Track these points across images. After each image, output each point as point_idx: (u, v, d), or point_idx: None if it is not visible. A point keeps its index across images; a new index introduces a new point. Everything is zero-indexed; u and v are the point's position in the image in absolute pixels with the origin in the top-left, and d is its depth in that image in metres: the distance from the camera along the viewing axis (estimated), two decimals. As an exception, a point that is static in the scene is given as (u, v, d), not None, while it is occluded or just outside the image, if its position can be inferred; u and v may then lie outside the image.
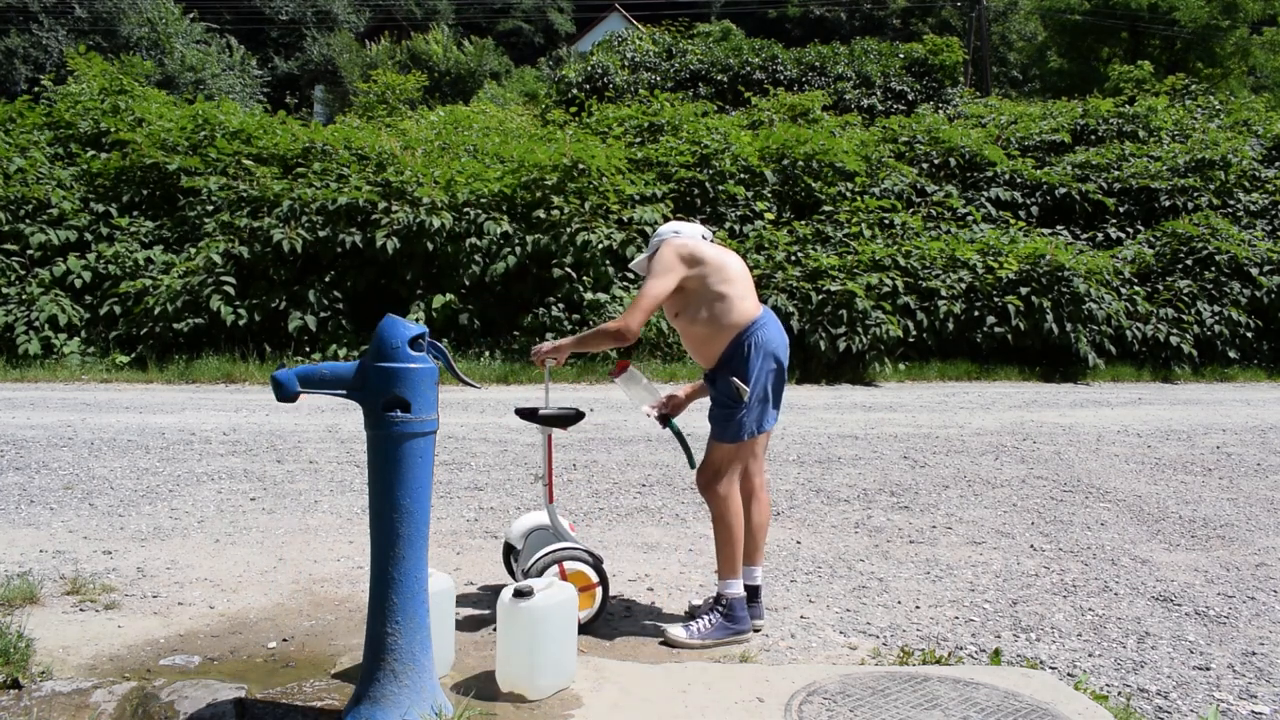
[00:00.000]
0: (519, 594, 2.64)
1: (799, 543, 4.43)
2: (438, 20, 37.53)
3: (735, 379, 3.12)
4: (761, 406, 3.18)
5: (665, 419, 3.45)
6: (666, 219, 11.44)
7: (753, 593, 3.34)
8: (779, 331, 3.24)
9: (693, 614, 3.41)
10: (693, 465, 3.44)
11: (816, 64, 21.26)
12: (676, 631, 3.15)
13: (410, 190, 10.93)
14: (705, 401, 3.42)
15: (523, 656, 2.62)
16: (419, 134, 14.22)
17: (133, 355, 10.35)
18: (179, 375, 9.85)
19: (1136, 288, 12.19)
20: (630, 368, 3.45)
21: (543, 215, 10.96)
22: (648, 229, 10.99)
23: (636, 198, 11.54)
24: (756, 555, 3.36)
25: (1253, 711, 2.83)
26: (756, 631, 3.33)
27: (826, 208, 12.46)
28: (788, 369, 3.31)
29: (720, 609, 3.18)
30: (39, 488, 5.15)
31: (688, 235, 3.29)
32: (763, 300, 10.78)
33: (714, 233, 11.46)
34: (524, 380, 9.83)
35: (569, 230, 10.66)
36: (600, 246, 10.56)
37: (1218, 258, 12.36)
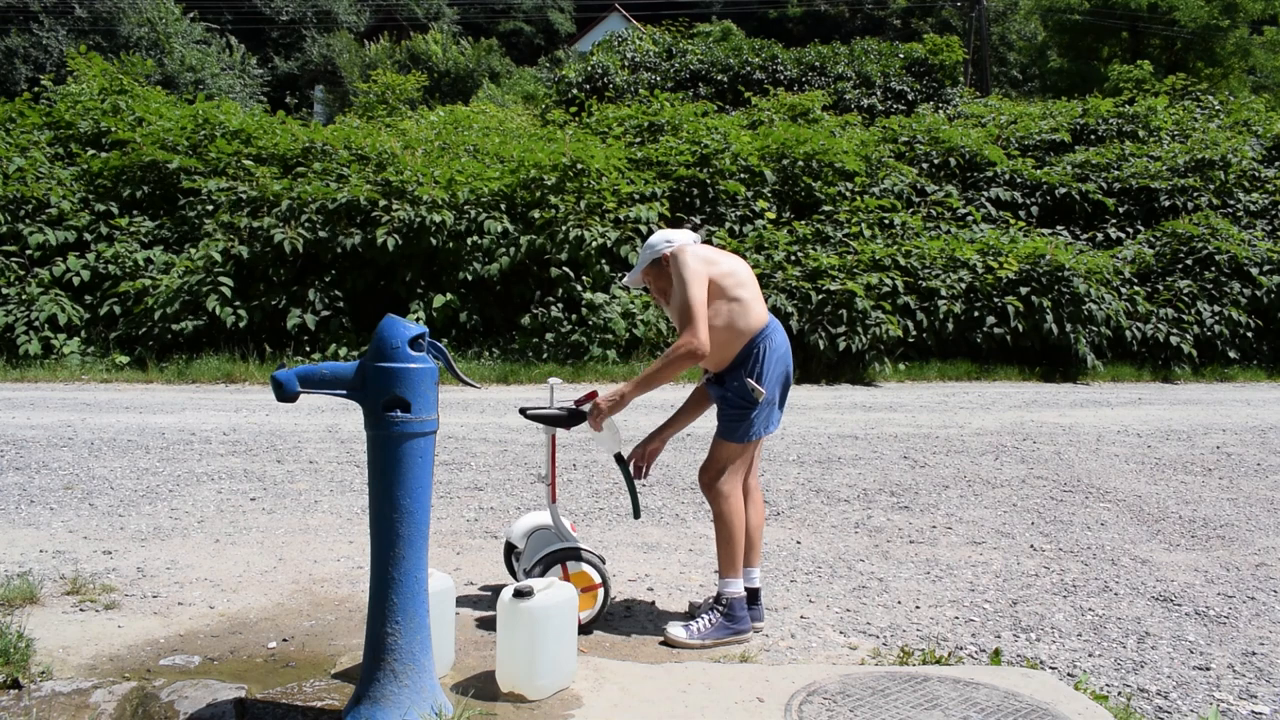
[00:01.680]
0: (519, 594, 2.64)
1: (799, 543, 4.43)
2: (439, 21, 37.54)
3: (750, 380, 3.13)
4: (769, 409, 3.19)
5: (621, 458, 3.33)
6: (664, 217, 11.42)
7: (752, 595, 3.34)
8: (785, 338, 3.27)
9: (693, 613, 3.41)
10: (637, 514, 3.41)
11: (816, 64, 21.26)
12: (676, 631, 3.15)
13: (410, 189, 10.94)
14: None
15: (523, 656, 2.62)
16: (419, 134, 14.23)
17: (133, 355, 10.36)
18: (179, 375, 9.85)
19: (1136, 288, 12.18)
20: (598, 400, 3.28)
21: (538, 214, 10.97)
22: (643, 227, 10.98)
23: (637, 196, 11.54)
24: (754, 556, 3.36)
25: (1253, 711, 2.83)
26: (757, 632, 3.33)
27: (826, 207, 12.47)
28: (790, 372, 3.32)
29: (720, 608, 3.19)
30: (39, 488, 5.15)
31: (681, 242, 3.23)
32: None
33: (711, 234, 11.49)
34: (524, 380, 9.83)
35: (564, 228, 10.66)
36: (594, 245, 10.55)
37: (1218, 258, 12.36)
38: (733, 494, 3.19)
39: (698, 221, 11.73)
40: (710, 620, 3.17)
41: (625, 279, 3.39)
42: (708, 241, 10.90)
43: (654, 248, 3.26)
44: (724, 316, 3.14)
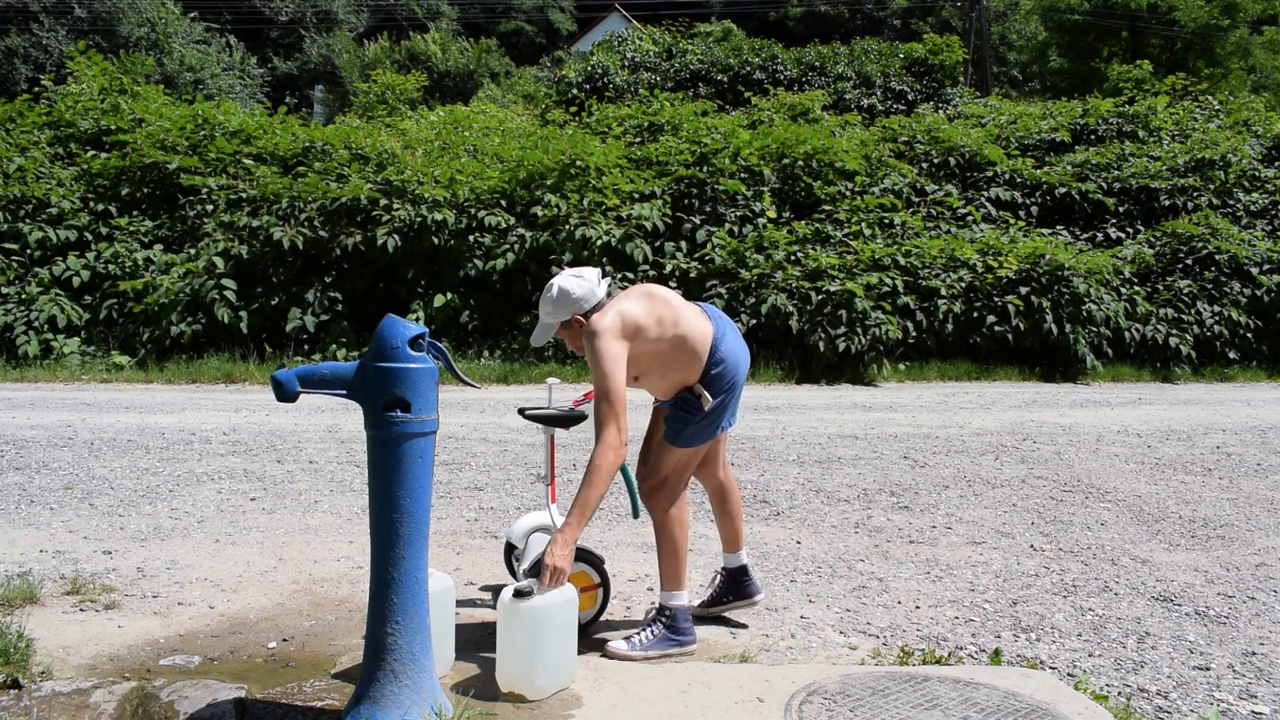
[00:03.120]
0: (519, 594, 2.63)
1: (799, 543, 4.43)
2: (439, 21, 37.54)
3: (699, 385, 3.02)
4: (720, 413, 3.08)
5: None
6: (665, 214, 11.38)
7: (742, 572, 3.39)
8: (735, 337, 3.11)
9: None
10: (636, 514, 3.37)
11: (816, 64, 21.26)
12: (618, 645, 3.04)
13: (411, 189, 10.95)
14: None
15: (522, 656, 2.61)
16: (419, 134, 14.23)
17: (133, 356, 10.35)
18: (179, 375, 9.85)
19: (1136, 288, 12.18)
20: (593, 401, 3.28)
21: (539, 212, 10.97)
22: (646, 224, 10.97)
23: (636, 195, 11.52)
24: (739, 540, 3.39)
25: (1253, 711, 2.83)
26: (756, 605, 3.41)
27: (826, 207, 12.46)
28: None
29: (663, 620, 3.07)
30: (39, 488, 5.15)
31: (588, 298, 2.91)
32: (761, 300, 10.64)
33: (711, 234, 11.47)
34: (524, 380, 9.83)
35: (568, 226, 10.66)
36: (600, 243, 10.56)
37: (1218, 257, 12.36)
38: (675, 507, 3.09)
39: (697, 221, 11.72)
40: (653, 632, 3.05)
41: (533, 338, 3.07)
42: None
43: (561, 306, 2.93)
44: (675, 361, 2.99)
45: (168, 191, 12.03)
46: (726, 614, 3.46)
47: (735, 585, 3.42)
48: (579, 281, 2.94)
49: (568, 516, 2.80)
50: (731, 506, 3.37)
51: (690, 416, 3.05)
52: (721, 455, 3.34)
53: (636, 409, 7.43)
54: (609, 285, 3.06)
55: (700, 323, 3.03)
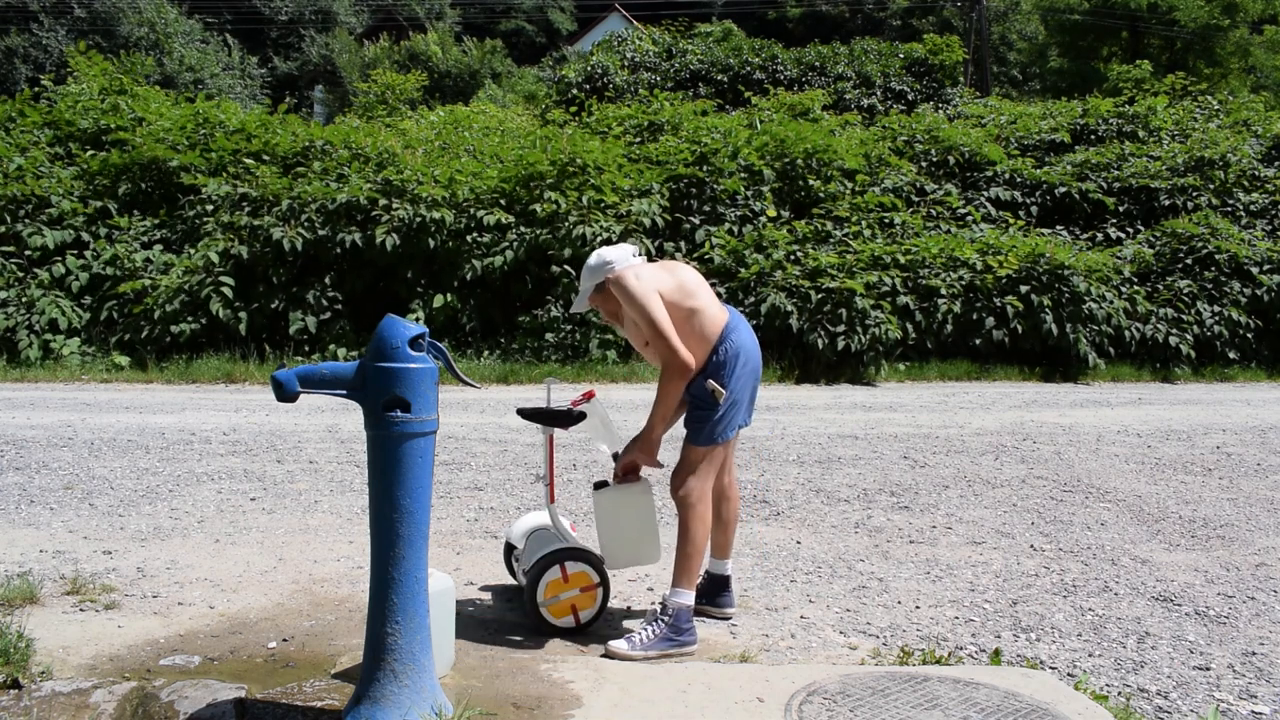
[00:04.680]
0: (598, 485, 3.25)
1: (799, 543, 4.43)
2: (441, 21, 37.53)
3: (711, 381, 3.08)
4: (734, 409, 3.14)
5: (619, 457, 3.35)
6: (664, 208, 11.38)
7: (724, 582, 3.41)
8: (749, 333, 3.20)
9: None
10: None
11: (816, 64, 21.25)
12: (619, 644, 3.04)
13: (411, 189, 10.94)
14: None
15: (597, 532, 3.25)
16: (419, 134, 14.23)
17: (133, 356, 10.35)
18: (179, 375, 9.85)
19: (1136, 287, 12.18)
20: (595, 399, 3.31)
21: (538, 210, 10.97)
22: (645, 219, 10.96)
23: (635, 192, 11.52)
24: (728, 549, 3.41)
25: (1253, 711, 2.83)
26: (726, 619, 3.40)
27: (826, 205, 12.45)
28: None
29: (665, 619, 3.06)
30: (39, 488, 5.15)
31: (620, 261, 3.13)
32: (761, 299, 10.67)
33: (710, 234, 11.47)
34: (524, 380, 9.83)
35: (567, 223, 10.66)
36: (599, 240, 10.56)
37: (1218, 257, 12.35)
38: (700, 504, 3.11)
39: (697, 221, 11.72)
40: (655, 631, 3.05)
41: (573, 306, 3.31)
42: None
43: (595, 271, 3.14)
44: (686, 332, 3.07)
45: (168, 190, 12.02)
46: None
47: (713, 592, 3.44)
48: (613, 249, 3.18)
49: (652, 424, 3.16)
50: (728, 513, 3.38)
51: (708, 415, 3.11)
52: (728, 460, 3.35)
53: (637, 409, 7.39)
54: (643, 262, 3.23)
55: (716, 308, 3.14)
